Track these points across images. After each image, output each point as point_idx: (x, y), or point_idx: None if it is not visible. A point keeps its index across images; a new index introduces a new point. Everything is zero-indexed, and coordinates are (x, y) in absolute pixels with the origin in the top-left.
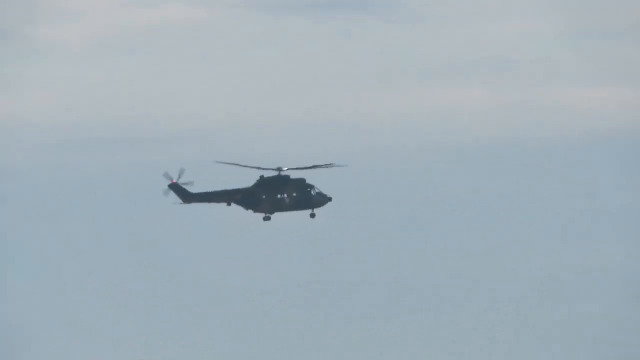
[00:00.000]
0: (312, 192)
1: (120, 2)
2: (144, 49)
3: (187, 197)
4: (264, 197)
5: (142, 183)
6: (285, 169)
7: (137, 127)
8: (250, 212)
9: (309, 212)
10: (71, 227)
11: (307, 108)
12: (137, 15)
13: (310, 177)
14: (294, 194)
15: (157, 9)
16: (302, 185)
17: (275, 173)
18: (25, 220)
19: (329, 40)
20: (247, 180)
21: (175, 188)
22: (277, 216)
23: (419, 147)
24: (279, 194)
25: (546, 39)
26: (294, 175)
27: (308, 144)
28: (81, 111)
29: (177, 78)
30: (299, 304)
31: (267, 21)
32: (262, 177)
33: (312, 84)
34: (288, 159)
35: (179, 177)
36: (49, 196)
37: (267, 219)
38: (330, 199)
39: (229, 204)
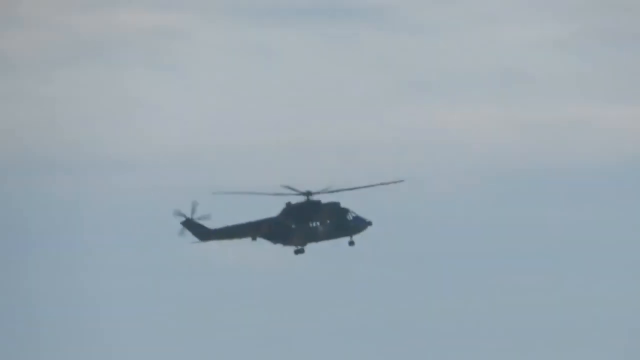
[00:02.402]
0: (349, 217)
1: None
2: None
3: (204, 234)
4: (294, 226)
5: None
6: (315, 192)
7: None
8: (279, 245)
9: (347, 239)
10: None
11: (295, 129)
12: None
13: (344, 201)
14: (328, 221)
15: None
16: (336, 210)
17: (303, 198)
18: None
19: (318, 52)
20: (264, 210)
21: (190, 225)
22: (310, 248)
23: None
24: (310, 222)
25: (561, 47)
26: (325, 199)
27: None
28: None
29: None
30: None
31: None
32: (288, 204)
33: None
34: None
35: (193, 211)
36: None
37: (299, 251)
38: (369, 223)
39: (254, 239)
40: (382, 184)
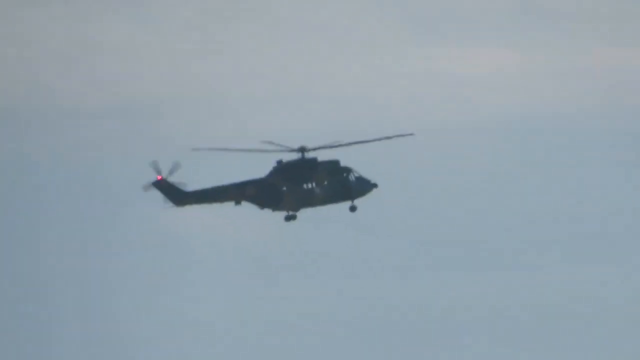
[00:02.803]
0: (350, 178)
1: None
2: None
3: (180, 197)
4: (285, 189)
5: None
6: (311, 148)
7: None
8: (268, 211)
9: (348, 204)
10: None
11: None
12: None
13: (345, 159)
14: (325, 182)
15: None
16: (335, 170)
17: (297, 155)
18: None
19: None
20: (254, 168)
21: (163, 187)
22: (303, 213)
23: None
24: (304, 183)
25: None
26: (323, 156)
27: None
28: None
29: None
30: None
31: None
32: (279, 162)
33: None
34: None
35: (171, 172)
36: None
37: (290, 218)
38: (375, 185)
39: (238, 203)
40: (388, 137)
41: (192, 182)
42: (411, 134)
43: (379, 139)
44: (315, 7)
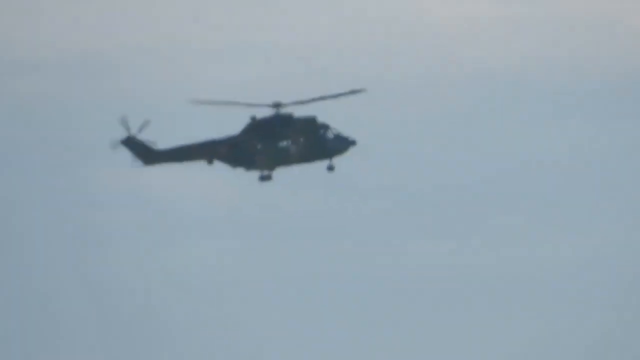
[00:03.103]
0: (328, 135)
1: None
2: None
3: (149, 156)
4: (259, 147)
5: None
6: (286, 103)
7: None
8: (241, 170)
9: (325, 163)
10: None
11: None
12: None
13: (322, 114)
14: (302, 139)
15: None
16: (312, 126)
17: (271, 111)
18: None
19: None
20: (227, 125)
21: (132, 144)
22: (279, 173)
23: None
24: (279, 141)
25: None
26: (299, 112)
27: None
28: None
29: None
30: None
31: None
32: (253, 118)
33: None
34: (276, 92)
35: (140, 129)
36: None
37: (265, 178)
38: (353, 143)
39: (210, 162)
40: (353, 91)
41: (161, 140)
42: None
43: (356, 92)
44: None
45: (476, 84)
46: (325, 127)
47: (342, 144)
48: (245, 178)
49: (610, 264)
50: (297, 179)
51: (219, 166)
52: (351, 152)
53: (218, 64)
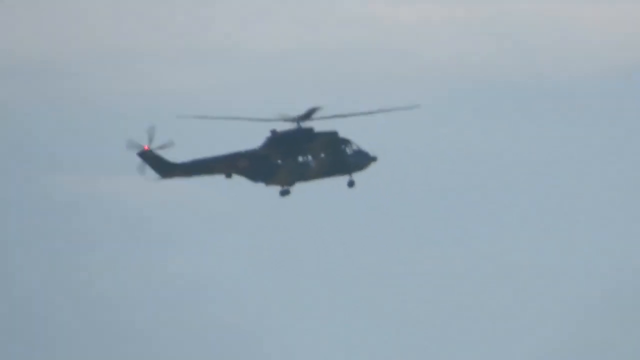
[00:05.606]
0: (349, 150)
1: None
2: None
3: (166, 168)
4: (279, 161)
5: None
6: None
7: None
8: (261, 184)
9: (345, 178)
10: None
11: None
12: None
13: (344, 130)
14: (322, 155)
15: None
16: (333, 141)
17: (292, 125)
18: None
19: None
20: (247, 139)
21: (148, 157)
22: (298, 188)
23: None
24: (300, 156)
25: None
26: (320, 127)
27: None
28: None
29: None
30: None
31: None
32: (273, 132)
33: None
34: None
35: (150, 140)
36: None
37: (284, 193)
38: (374, 159)
39: (229, 176)
40: (393, 109)
41: (178, 153)
42: (417, 106)
43: (384, 111)
44: None
45: (489, 91)
46: (347, 142)
47: (363, 159)
48: (265, 192)
49: (610, 264)
50: (317, 194)
51: (238, 180)
52: (372, 168)
53: (217, 68)
